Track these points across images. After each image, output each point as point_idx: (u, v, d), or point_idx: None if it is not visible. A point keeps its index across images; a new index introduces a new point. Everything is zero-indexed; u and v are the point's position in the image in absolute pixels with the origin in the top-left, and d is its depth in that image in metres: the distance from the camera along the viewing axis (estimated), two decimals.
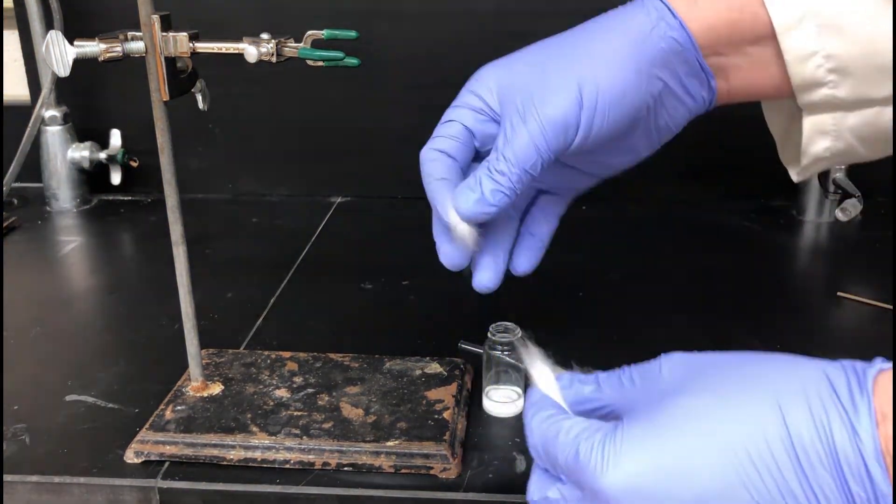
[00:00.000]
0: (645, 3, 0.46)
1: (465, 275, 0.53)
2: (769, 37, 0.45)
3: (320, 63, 0.54)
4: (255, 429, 0.58)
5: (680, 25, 0.45)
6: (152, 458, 0.57)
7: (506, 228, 0.51)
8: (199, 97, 0.59)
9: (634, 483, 0.35)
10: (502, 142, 0.45)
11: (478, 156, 0.49)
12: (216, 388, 0.63)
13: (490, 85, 0.47)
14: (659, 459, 0.35)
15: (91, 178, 1.10)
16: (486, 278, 0.51)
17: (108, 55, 0.54)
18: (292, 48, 0.55)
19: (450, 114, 0.49)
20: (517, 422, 0.62)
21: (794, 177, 0.52)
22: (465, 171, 0.48)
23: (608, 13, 0.47)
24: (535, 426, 0.40)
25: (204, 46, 0.54)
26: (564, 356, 0.63)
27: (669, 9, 0.45)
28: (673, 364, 0.40)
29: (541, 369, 0.44)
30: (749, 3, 0.45)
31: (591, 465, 0.36)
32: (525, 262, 0.52)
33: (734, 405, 0.35)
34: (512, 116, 0.45)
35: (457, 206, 0.45)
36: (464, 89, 0.49)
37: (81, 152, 1.07)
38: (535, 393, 0.43)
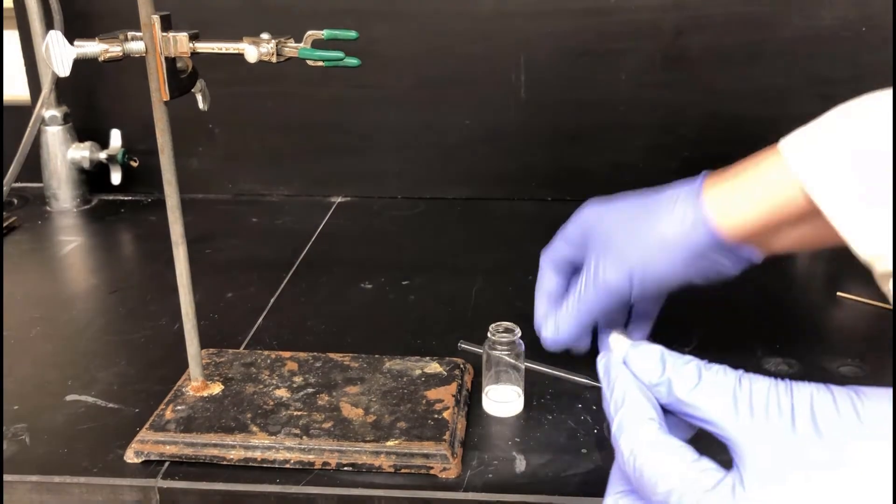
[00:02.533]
0: (689, 200, 0.53)
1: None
2: (809, 218, 0.49)
3: (320, 63, 0.54)
4: (255, 429, 0.58)
5: (712, 234, 0.52)
6: (152, 457, 0.57)
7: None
8: (199, 97, 0.59)
9: None
10: (576, 294, 0.58)
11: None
12: (216, 388, 0.63)
13: (583, 226, 0.60)
14: None
15: (91, 178, 1.10)
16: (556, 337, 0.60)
17: (108, 55, 0.54)
18: (292, 48, 0.55)
19: (566, 231, 0.62)
20: (517, 422, 0.62)
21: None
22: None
23: (663, 196, 0.55)
24: (625, 444, 0.36)
25: (204, 46, 0.54)
26: (564, 356, 0.63)
27: (704, 220, 0.52)
28: (811, 396, 0.33)
29: (621, 340, 0.40)
30: (788, 198, 0.49)
31: None
32: (639, 335, 0.64)
33: None
34: (588, 268, 0.57)
35: (539, 333, 0.61)
36: (573, 218, 0.61)
37: (81, 152, 1.07)
38: (622, 385, 0.38)
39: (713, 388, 0.35)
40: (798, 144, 0.49)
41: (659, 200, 0.55)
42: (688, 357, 0.38)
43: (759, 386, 0.34)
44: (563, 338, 0.59)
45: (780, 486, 0.32)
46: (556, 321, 0.59)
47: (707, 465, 0.34)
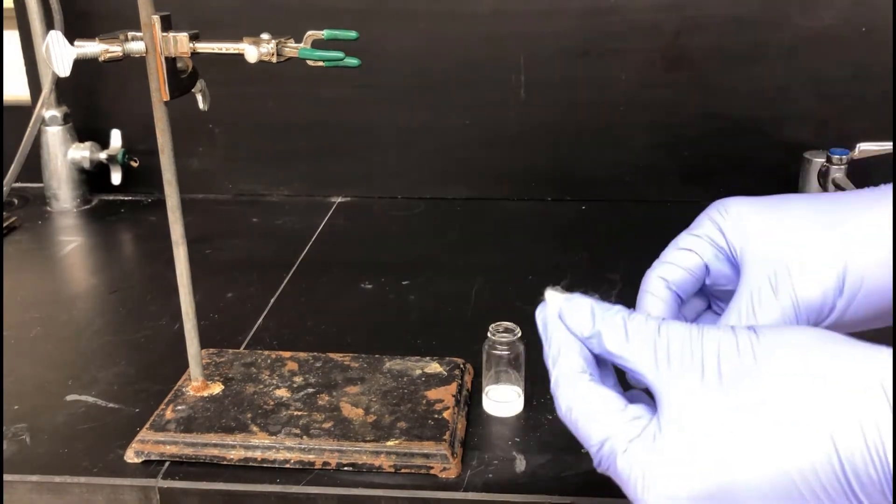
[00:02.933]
0: None
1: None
2: None
3: (320, 63, 0.54)
4: (255, 428, 0.58)
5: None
6: (152, 457, 0.57)
7: None
8: (199, 97, 0.59)
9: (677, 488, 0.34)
10: (746, 311, 0.42)
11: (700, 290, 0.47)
12: (216, 388, 0.63)
13: (738, 225, 0.44)
14: (702, 485, 0.33)
15: (91, 178, 1.10)
16: None
17: (108, 55, 0.54)
18: (292, 48, 0.55)
19: (688, 241, 0.46)
20: (517, 421, 0.62)
21: None
22: (681, 304, 0.46)
23: (876, 190, 0.43)
24: (562, 398, 0.38)
25: (204, 46, 0.54)
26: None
27: None
28: (718, 343, 0.35)
29: (556, 296, 0.41)
30: None
31: (631, 482, 0.35)
32: None
33: (786, 431, 0.33)
34: (761, 284, 0.42)
35: None
36: (705, 216, 0.46)
37: (82, 152, 1.07)
38: (558, 339, 0.39)
39: (636, 340, 0.37)
40: None
41: (874, 193, 0.43)
42: (616, 308, 0.39)
43: (676, 334, 0.36)
44: None
45: (687, 432, 0.34)
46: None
47: (635, 412, 0.37)
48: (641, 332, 0.37)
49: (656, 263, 0.46)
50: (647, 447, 0.35)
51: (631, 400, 0.38)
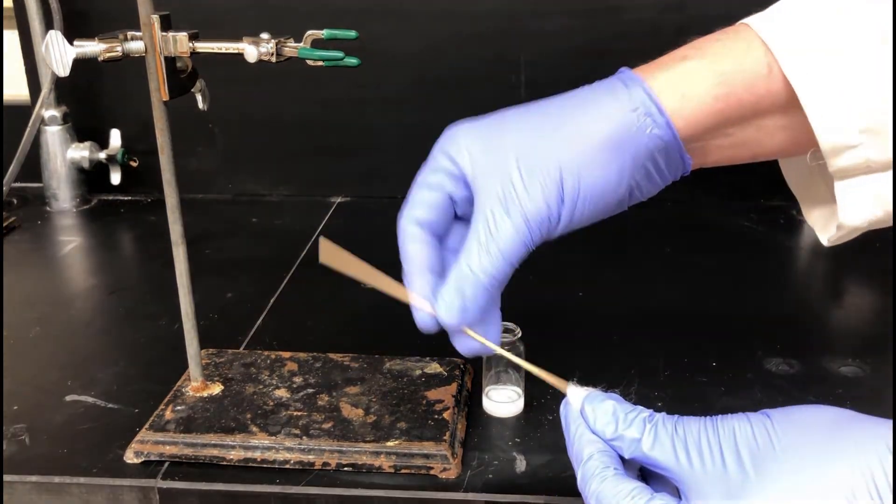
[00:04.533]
0: (629, 90, 0.43)
1: None
2: (754, 117, 0.44)
3: (320, 63, 0.54)
4: (255, 429, 0.58)
5: (667, 124, 0.43)
6: (152, 458, 0.57)
7: None
8: (199, 97, 0.59)
9: None
10: (484, 234, 0.42)
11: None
12: (216, 389, 0.63)
13: (464, 149, 0.45)
14: None
15: (91, 178, 1.10)
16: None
17: (108, 55, 0.54)
18: (292, 48, 0.55)
19: (427, 177, 0.46)
20: (517, 422, 0.62)
21: (825, 242, 0.50)
22: (441, 239, 0.47)
23: (586, 91, 0.45)
24: (591, 491, 0.41)
25: (204, 46, 0.54)
26: (565, 356, 0.63)
27: (658, 106, 0.43)
28: (734, 431, 0.39)
29: (577, 393, 0.44)
30: (734, 89, 0.43)
31: None
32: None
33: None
34: (492, 204, 0.42)
35: (440, 315, 0.45)
36: (436, 150, 0.46)
37: (81, 152, 1.07)
38: (581, 437, 0.42)
39: (656, 442, 0.40)
40: (765, 18, 0.44)
41: (579, 97, 0.45)
42: (636, 411, 0.41)
43: (692, 430, 0.39)
44: (473, 309, 0.43)
45: None
46: (457, 288, 0.43)
47: (662, 501, 0.39)
48: (659, 433, 0.40)
49: (405, 207, 0.47)
50: None
51: (655, 488, 0.41)
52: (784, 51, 0.42)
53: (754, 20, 0.44)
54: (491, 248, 0.42)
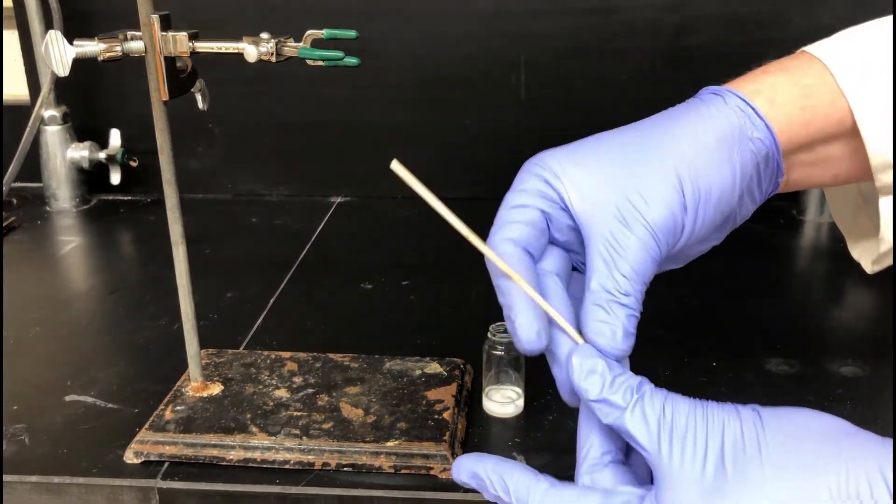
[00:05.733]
0: (725, 100, 0.43)
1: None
2: (838, 135, 0.44)
3: (320, 63, 0.54)
4: (254, 429, 0.58)
5: (766, 127, 0.42)
6: (152, 458, 0.57)
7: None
8: (199, 97, 0.59)
9: None
10: (609, 253, 0.40)
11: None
12: (216, 389, 0.63)
13: (559, 173, 0.42)
14: None
15: (90, 178, 1.10)
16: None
17: (108, 55, 0.54)
18: (292, 48, 0.55)
19: (517, 198, 0.43)
20: (517, 422, 0.62)
21: (869, 269, 0.51)
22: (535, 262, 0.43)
23: (675, 109, 0.44)
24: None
25: (204, 46, 0.54)
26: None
27: (755, 109, 0.42)
28: (716, 441, 0.37)
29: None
30: (819, 102, 0.43)
31: None
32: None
33: None
34: (611, 224, 0.40)
35: (601, 348, 0.39)
36: (524, 173, 0.44)
37: (81, 152, 1.07)
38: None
39: (640, 420, 0.38)
40: (830, 48, 0.45)
41: (670, 114, 0.44)
42: (623, 376, 0.39)
43: (680, 414, 0.37)
44: (633, 333, 0.40)
45: None
46: (616, 317, 0.39)
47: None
48: (648, 411, 0.38)
49: (495, 228, 0.43)
50: None
51: (631, 460, 0.41)
52: (840, 67, 0.43)
53: (814, 47, 0.45)
54: (623, 269, 0.39)
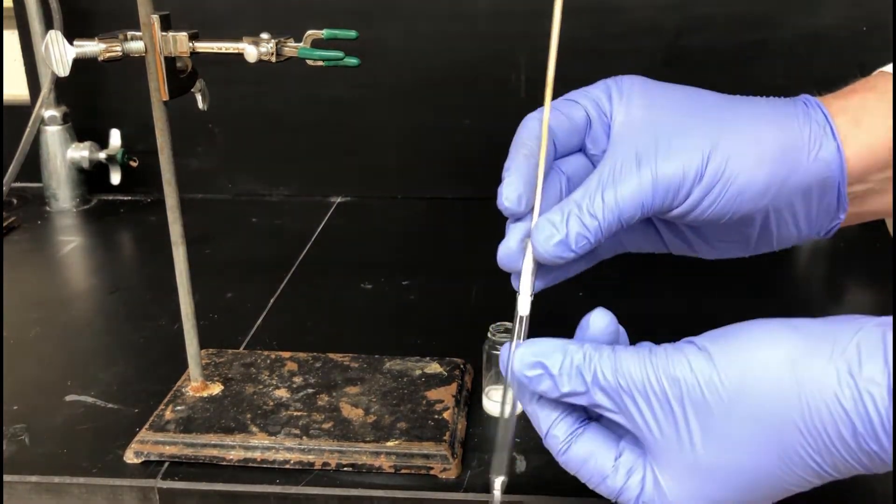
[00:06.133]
0: (809, 109, 0.41)
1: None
2: None
3: (320, 63, 0.54)
4: (254, 429, 0.58)
5: (837, 149, 0.40)
6: (152, 458, 0.57)
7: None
8: (199, 97, 0.59)
9: None
10: (607, 177, 0.40)
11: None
12: (216, 389, 0.63)
13: (625, 94, 0.42)
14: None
15: (91, 178, 1.10)
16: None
17: (108, 55, 0.54)
18: (292, 48, 0.55)
19: (575, 94, 0.44)
20: (517, 422, 0.62)
21: None
22: (554, 158, 0.43)
23: (769, 98, 0.43)
24: (561, 461, 0.41)
25: (204, 46, 0.54)
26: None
27: (831, 128, 0.40)
28: (683, 407, 0.37)
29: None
30: None
31: None
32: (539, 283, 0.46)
33: (765, 440, 0.36)
34: (625, 155, 0.40)
35: (534, 241, 0.40)
36: (602, 82, 0.44)
37: (81, 152, 1.07)
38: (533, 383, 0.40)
39: (603, 398, 0.38)
40: None
41: (757, 99, 0.42)
42: (570, 366, 0.39)
43: (635, 379, 0.37)
44: (575, 250, 0.40)
45: (683, 479, 0.37)
46: (567, 223, 0.39)
47: (626, 463, 0.39)
48: (606, 387, 0.38)
49: (541, 110, 0.43)
50: (652, 489, 0.38)
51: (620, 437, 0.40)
52: None
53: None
54: (608, 197, 0.39)
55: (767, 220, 0.42)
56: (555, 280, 0.46)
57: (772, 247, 0.45)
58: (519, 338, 0.42)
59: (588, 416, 0.41)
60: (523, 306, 0.42)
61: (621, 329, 0.41)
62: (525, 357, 0.39)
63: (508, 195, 0.41)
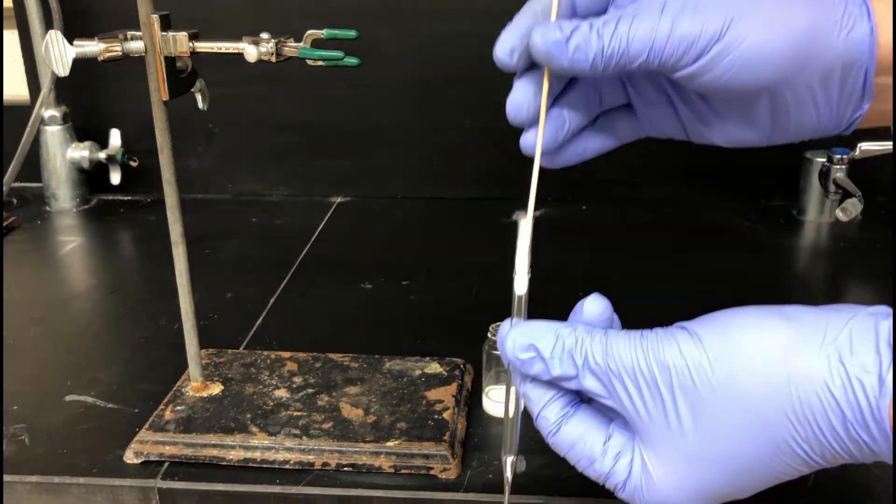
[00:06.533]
0: None
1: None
2: None
3: (320, 63, 0.54)
4: (254, 429, 0.58)
5: (870, 32, 0.38)
6: (152, 458, 0.57)
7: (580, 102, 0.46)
8: (199, 97, 0.59)
9: None
10: (628, 13, 0.38)
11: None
12: (216, 389, 0.63)
13: None
14: (709, 493, 0.38)
15: (91, 178, 1.10)
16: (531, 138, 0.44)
17: (108, 55, 0.54)
18: (292, 48, 0.54)
19: None
20: (520, 422, 0.62)
21: None
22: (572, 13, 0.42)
23: None
24: (551, 442, 0.41)
25: (204, 46, 0.54)
26: None
27: (868, 8, 0.38)
28: (671, 394, 0.37)
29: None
30: None
31: (635, 502, 0.39)
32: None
33: (754, 431, 0.36)
34: (652, 2, 0.38)
35: (534, 34, 0.40)
36: None
37: (81, 152, 1.07)
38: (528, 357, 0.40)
39: (593, 382, 0.39)
40: None
41: None
42: (561, 348, 0.39)
43: (626, 364, 0.38)
44: (569, 59, 0.39)
45: (670, 464, 0.38)
46: (573, 31, 0.38)
47: (615, 447, 0.40)
48: (596, 370, 0.38)
49: None
50: (640, 489, 0.39)
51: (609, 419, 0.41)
52: None
53: None
54: (622, 27, 0.38)
55: (785, 99, 0.40)
56: (571, 159, 0.46)
57: (789, 135, 0.43)
58: (520, 316, 0.42)
59: (581, 398, 0.41)
60: (520, 286, 0.43)
61: (616, 317, 0.42)
62: (518, 339, 0.40)
63: (502, 45, 0.43)
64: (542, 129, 0.43)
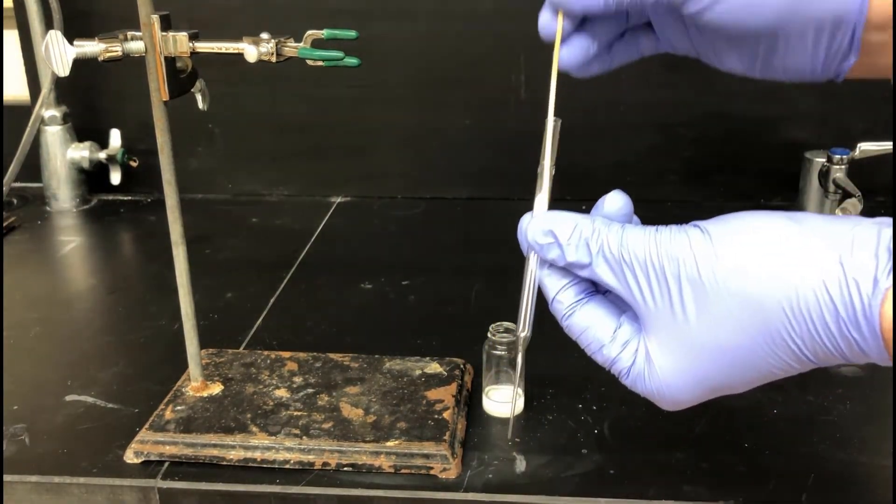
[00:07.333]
0: None
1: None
2: None
3: (320, 63, 0.54)
4: (254, 429, 0.58)
5: None
6: (152, 458, 0.57)
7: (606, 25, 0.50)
8: (199, 97, 0.59)
9: (684, 400, 0.41)
10: None
11: None
12: (216, 389, 0.63)
13: None
14: (703, 389, 0.40)
15: (91, 178, 1.10)
16: (572, 56, 0.50)
17: (108, 55, 0.54)
18: (292, 48, 0.55)
19: None
20: (517, 421, 0.62)
21: None
22: None
23: None
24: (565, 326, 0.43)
25: (204, 46, 0.54)
26: (564, 355, 0.63)
27: None
28: (677, 283, 0.39)
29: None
30: None
31: (644, 395, 0.42)
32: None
33: (754, 323, 0.37)
34: None
35: None
36: None
37: (81, 152, 1.07)
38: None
39: (605, 270, 0.41)
40: None
41: None
42: (578, 236, 0.41)
43: (638, 255, 0.40)
44: None
45: (675, 354, 0.40)
46: None
47: (623, 335, 0.42)
48: (609, 258, 0.40)
49: None
50: (642, 376, 0.41)
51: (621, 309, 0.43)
52: None
53: None
54: None
55: (776, 42, 0.43)
56: (599, 69, 0.50)
57: (778, 74, 0.46)
58: (543, 203, 0.46)
59: (596, 289, 0.43)
60: (546, 175, 0.48)
61: (636, 217, 0.43)
62: (539, 224, 0.43)
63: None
64: (555, 73, 0.49)
